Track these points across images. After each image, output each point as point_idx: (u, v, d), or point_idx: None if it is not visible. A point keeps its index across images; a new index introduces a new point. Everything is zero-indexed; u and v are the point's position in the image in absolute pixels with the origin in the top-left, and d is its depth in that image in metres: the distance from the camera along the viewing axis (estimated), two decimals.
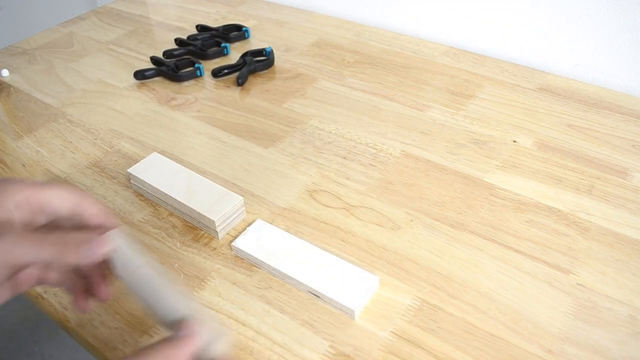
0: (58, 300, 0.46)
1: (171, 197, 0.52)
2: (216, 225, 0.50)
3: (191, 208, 0.51)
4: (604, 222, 0.51)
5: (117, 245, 0.35)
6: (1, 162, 0.63)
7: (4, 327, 1.35)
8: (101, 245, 0.35)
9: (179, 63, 0.78)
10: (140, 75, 0.76)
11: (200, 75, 0.78)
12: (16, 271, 0.34)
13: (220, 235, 0.51)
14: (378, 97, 0.71)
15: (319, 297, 0.45)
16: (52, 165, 0.61)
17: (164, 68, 0.77)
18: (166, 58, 0.82)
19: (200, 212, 0.50)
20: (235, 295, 0.45)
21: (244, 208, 0.53)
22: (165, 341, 0.32)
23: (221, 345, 0.34)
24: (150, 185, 0.54)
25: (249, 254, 0.48)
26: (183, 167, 0.56)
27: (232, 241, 0.49)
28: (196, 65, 0.77)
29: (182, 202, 0.51)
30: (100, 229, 0.36)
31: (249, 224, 0.52)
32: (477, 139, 0.63)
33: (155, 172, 0.55)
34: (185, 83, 0.76)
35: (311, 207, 0.54)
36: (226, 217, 0.51)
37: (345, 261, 0.47)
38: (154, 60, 0.80)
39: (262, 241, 0.49)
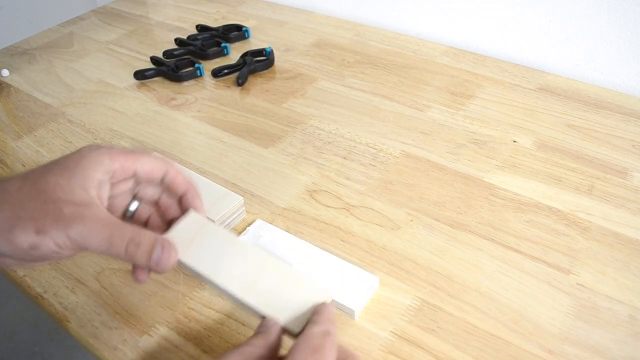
0: (58, 300, 0.46)
1: None
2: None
3: None
4: (604, 222, 0.51)
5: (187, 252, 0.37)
6: (1, 162, 0.63)
7: (4, 327, 1.35)
8: (171, 257, 0.36)
9: (179, 63, 0.78)
10: (140, 75, 0.76)
11: (200, 75, 0.78)
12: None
13: None
14: (378, 97, 0.71)
15: None
16: None
17: (164, 68, 0.77)
18: (166, 58, 0.82)
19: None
20: None
21: (244, 208, 0.53)
22: (253, 338, 0.33)
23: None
24: None
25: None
26: (183, 167, 0.56)
27: None
28: (196, 65, 0.77)
29: None
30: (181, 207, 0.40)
31: (249, 224, 0.52)
32: (477, 139, 0.63)
33: None
34: (185, 83, 0.76)
35: (311, 207, 0.54)
36: (226, 217, 0.51)
37: (345, 261, 0.47)
38: (154, 60, 0.80)
39: (262, 241, 0.49)
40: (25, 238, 0.33)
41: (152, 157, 0.39)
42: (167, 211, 0.41)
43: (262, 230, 0.50)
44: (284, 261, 0.44)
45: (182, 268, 0.38)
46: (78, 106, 0.72)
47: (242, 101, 0.72)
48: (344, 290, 0.44)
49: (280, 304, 0.35)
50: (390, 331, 0.42)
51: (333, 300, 0.43)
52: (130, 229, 0.35)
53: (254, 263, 0.37)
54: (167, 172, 0.39)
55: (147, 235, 0.35)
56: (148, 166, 0.39)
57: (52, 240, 0.33)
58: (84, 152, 0.37)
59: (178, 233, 0.39)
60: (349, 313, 0.43)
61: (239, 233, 0.51)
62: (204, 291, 0.46)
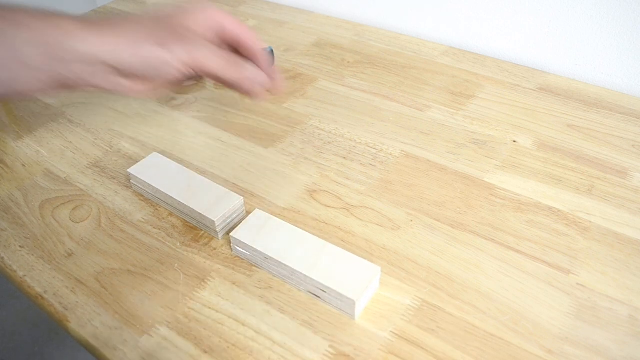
0: (58, 300, 0.46)
1: (171, 197, 0.52)
2: (216, 225, 0.50)
3: (191, 208, 0.51)
4: (604, 222, 0.51)
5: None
6: (1, 162, 0.63)
7: (4, 327, 1.35)
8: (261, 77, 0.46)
9: None
10: None
11: None
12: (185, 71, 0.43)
13: (220, 235, 0.51)
14: (378, 97, 0.71)
15: (319, 297, 0.45)
16: (52, 165, 0.61)
17: None
18: None
19: (200, 212, 0.50)
20: (235, 295, 0.46)
21: (244, 208, 0.53)
22: None
23: None
24: (150, 185, 0.54)
25: (246, 243, 0.47)
26: (183, 167, 0.56)
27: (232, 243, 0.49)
28: None
29: (182, 202, 0.51)
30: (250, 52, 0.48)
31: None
32: (477, 139, 0.63)
33: (156, 172, 0.55)
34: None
35: (311, 207, 0.54)
36: (226, 217, 0.51)
37: (346, 251, 0.46)
38: None
39: (261, 231, 0.48)
40: (149, 49, 0.40)
41: (233, 20, 0.47)
42: None
43: (260, 220, 0.49)
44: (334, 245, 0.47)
45: (250, 256, 0.47)
46: (78, 106, 0.72)
47: (242, 101, 0.72)
48: (345, 281, 0.43)
49: (338, 278, 0.43)
50: (390, 331, 0.42)
51: (332, 291, 0.43)
52: (237, 57, 0.44)
53: (312, 247, 0.46)
54: (235, 31, 0.47)
55: (250, 63, 0.45)
56: (229, 24, 0.46)
57: (174, 55, 0.40)
58: (197, 8, 0.45)
59: (247, 226, 0.48)
60: (349, 304, 0.43)
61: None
62: (204, 291, 0.46)
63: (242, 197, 0.52)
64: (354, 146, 0.62)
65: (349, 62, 0.79)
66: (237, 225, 0.49)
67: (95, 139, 0.66)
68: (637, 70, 0.70)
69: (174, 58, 0.40)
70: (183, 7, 0.45)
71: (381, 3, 0.89)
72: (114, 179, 0.59)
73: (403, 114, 0.67)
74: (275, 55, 0.81)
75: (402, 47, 0.83)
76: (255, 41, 0.48)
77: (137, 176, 0.55)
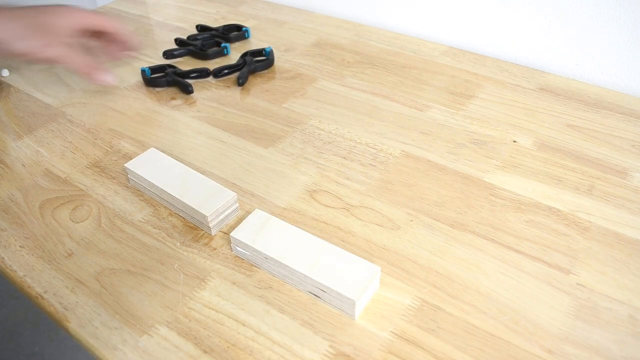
0: (58, 300, 0.46)
1: (165, 191, 0.52)
2: (208, 220, 0.50)
3: (184, 203, 0.51)
4: (604, 222, 0.51)
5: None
6: (1, 162, 0.63)
7: (4, 327, 1.35)
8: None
9: (205, 43, 0.83)
10: (168, 54, 0.82)
11: (227, 53, 0.82)
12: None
13: (214, 232, 0.51)
14: (378, 97, 0.71)
15: (319, 297, 0.45)
16: (52, 165, 0.61)
17: (191, 48, 0.83)
18: (166, 58, 0.82)
19: (193, 207, 0.50)
20: (235, 295, 0.45)
21: (237, 204, 0.53)
22: None
23: None
24: (146, 179, 0.54)
25: (246, 243, 0.47)
26: (179, 162, 0.56)
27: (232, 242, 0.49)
28: (222, 44, 0.83)
29: (176, 197, 0.51)
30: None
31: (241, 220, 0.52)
32: (477, 139, 0.63)
33: (152, 167, 0.55)
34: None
35: (311, 207, 0.54)
36: (219, 213, 0.51)
37: (346, 251, 0.46)
38: (178, 41, 0.85)
39: (261, 231, 0.48)
40: (24, 44, 0.55)
41: (109, 19, 0.62)
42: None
43: (261, 219, 0.49)
44: (334, 245, 0.47)
45: (250, 256, 0.47)
46: (78, 106, 0.72)
47: (242, 101, 0.72)
48: (344, 280, 0.43)
49: (338, 278, 0.43)
50: (390, 331, 0.42)
51: (331, 291, 0.43)
52: (81, 51, 0.59)
53: (312, 247, 0.46)
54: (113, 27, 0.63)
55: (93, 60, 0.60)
56: (92, 21, 0.60)
57: (33, 47, 0.56)
58: (64, 7, 0.58)
59: (247, 226, 0.48)
60: (349, 304, 0.43)
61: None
62: (204, 291, 0.46)
63: (235, 193, 0.52)
64: (354, 146, 0.62)
65: (349, 62, 0.79)
66: (231, 221, 0.49)
67: (95, 139, 0.66)
68: (637, 70, 0.70)
69: (35, 49, 0.55)
70: (53, 8, 0.58)
71: (381, 3, 0.89)
72: (114, 179, 0.59)
73: (403, 114, 0.67)
74: (275, 55, 0.81)
75: (402, 47, 0.83)
76: (114, 25, 0.63)
77: (134, 170, 0.55)
